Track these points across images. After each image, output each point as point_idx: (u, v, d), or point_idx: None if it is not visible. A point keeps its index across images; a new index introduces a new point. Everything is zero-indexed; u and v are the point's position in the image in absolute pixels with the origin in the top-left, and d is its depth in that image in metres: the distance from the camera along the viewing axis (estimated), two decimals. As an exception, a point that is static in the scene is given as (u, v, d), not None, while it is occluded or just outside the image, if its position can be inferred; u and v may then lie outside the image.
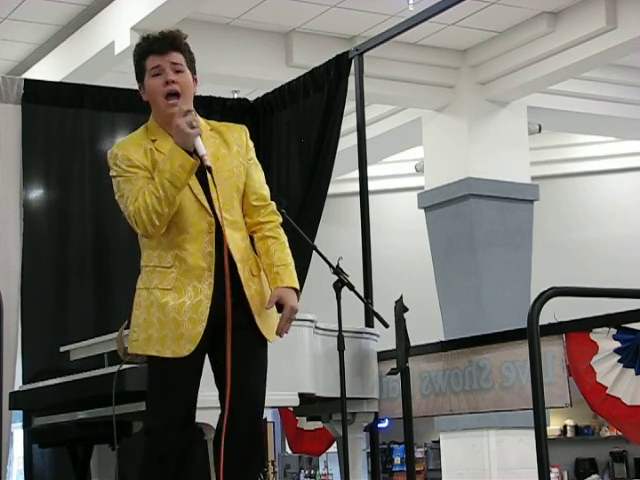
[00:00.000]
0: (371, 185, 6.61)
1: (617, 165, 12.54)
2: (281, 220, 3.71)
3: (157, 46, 3.55)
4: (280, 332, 3.58)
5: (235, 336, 3.43)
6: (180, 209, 3.47)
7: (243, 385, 3.46)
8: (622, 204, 12.39)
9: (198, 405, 3.57)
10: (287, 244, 3.67)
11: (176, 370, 3.46)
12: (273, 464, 6.49)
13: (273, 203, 3.70)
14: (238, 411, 3.44)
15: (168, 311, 3.45)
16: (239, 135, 3.69)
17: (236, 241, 3.54)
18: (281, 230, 3.69)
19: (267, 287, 3.62)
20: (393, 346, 5.44)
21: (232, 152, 3.63)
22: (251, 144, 3.71)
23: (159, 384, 3.50)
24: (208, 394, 3.61)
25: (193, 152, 3.41)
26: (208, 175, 3.44)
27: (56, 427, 5.10)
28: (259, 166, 3.72)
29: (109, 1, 8.60)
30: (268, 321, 3.58)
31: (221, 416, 3.47)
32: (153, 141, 3.56)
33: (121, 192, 3.52)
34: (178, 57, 3.57)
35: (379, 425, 6.13)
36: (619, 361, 4.95)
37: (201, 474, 4.21)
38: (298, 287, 3.60)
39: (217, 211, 3.47)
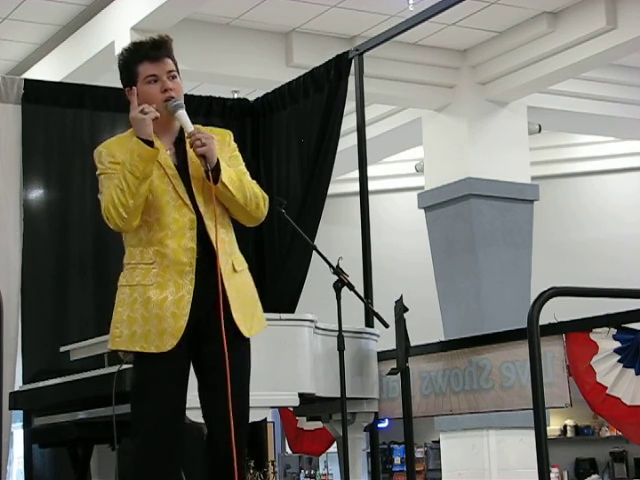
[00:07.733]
0: (371, 185, 6.61)
1: (617, 165, 12.53)
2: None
3: (153, 54, 3.60)
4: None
5: (216, 342, 3.46)
6: (161, 206, 3.54)
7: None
8: (622, 204, 12.39)
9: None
10: None
11: (161, 365, 3.49)
12: (273, 464, 6.47)
13: None
14: (222, 428, 3.47)
15: (151, 307, 3.49)
16: (222, 138, 3.72)
17: (220, 234, 3.57)
18: None
19: (251, 284, 3.68)
20: (393, 346, 5.43)
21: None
22: (234, 145, 3.75)
23: (144, 380, 3.52)
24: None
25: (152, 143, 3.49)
26: (188, 148, 3.55)
27: (56, 427, 5.10)
28: (241, 165, 3.74)
29: (109, 1, 8.60)
30: (249, 317, 3.61)
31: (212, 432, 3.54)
32: None
33: (102, 190, 3.61)
34: (171, 64, 3.64)
35: (379, 425, 6.12)
36: (619, 361, 4.95)
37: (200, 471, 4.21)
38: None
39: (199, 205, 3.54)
